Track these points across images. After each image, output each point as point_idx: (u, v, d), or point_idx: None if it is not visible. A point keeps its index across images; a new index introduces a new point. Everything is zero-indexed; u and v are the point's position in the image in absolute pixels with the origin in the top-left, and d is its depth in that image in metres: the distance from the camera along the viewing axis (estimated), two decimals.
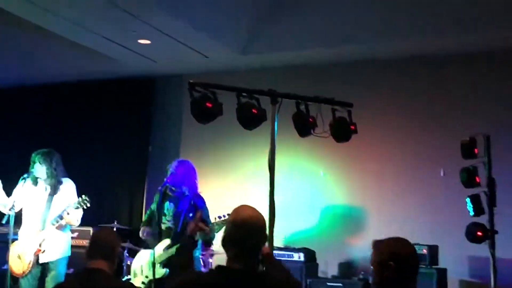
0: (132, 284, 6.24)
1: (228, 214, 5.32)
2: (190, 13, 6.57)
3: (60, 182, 5.95)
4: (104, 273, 3.40)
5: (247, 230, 2.71)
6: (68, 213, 5.75)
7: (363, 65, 7.69)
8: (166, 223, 5.59)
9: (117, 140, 8.96)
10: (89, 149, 9.09)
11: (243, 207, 2.85)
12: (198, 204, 5.50)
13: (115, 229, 7.68)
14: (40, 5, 6.32)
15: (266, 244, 3.13)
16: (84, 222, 8.63)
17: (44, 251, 5.71)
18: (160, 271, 5.36)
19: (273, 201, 4.29)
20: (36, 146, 8.96)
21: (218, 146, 8.27)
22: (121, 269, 7.19)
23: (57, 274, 5.78)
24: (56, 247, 5.81)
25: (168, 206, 5.62)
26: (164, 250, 5.43)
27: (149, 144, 8.87)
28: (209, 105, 4.32)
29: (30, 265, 5.70)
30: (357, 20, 6.86)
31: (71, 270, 6.37)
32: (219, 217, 5.24)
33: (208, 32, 7.00)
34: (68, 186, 6.01)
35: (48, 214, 5.81)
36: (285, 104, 4.38)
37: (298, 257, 6.88)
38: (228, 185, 8.15)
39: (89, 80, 9.12)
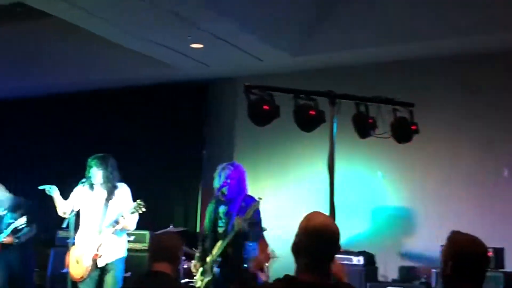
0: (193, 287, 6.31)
1: (260, 198, 5.49)
2: (244, 16, 6.53)
3: (116, 187, 6.00)
4: (167, 276, 3.41)
5: (319, 238, 2.53)
6: (124, 218, 5.78)
7: (424, 63, 7.44)
8: (222, 226, 5.63)
9: (171, 144, 9.00)
10: (143, 154, 9.16)
11: (315, 214, 2.66)
12: (248, 204, 5.53)
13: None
14: (92, 12, 6.41)
15: None
16: (140, 226, 8.77)
17: (101, 255, 5.76)
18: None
19: (333, 204, 4.22)
20: (91, 151, 9.10)
21: (274, 148, 8.16)
22: (178, 272, 7.20)
23: (115, 275, 5.85)
24: (114, 249, 5.87)
25: (222, 210, 5.65)
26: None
27: (203, 148, 8.86)
28: (266, 107, 4.30)
29: (89, 270, 5.75)
30: (416, 16, 6.66)
31: (129, 274, 6.44)
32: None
33: (261, 35, 6.94)
34: (123, 190, 6.06)
35: (104, 218, 5.87)
36: (343, 105, 4.30)
37: (357, 260, 6.74)
38: (284, 188, 8.06)
39: (142, 86, 9.18)
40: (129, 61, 8.18)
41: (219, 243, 5.53)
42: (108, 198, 5.90)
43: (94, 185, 5.99)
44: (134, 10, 6.37)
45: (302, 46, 7.31)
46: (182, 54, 7.68)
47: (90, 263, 5.77)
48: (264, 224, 5.62)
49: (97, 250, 5.76)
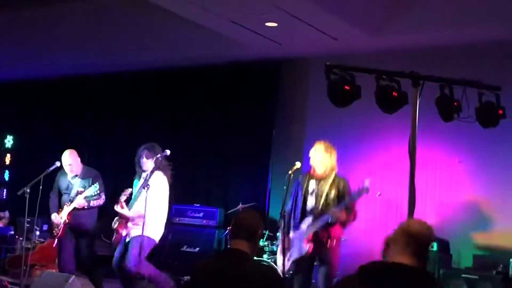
0: (269, 265, 6.33)
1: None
2: None
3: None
4: (243, 254, 3.38)
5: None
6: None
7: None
8: (311, 202, 5.62)
9: (242, 123, 9.02)
10: (214, 131, 9.21)
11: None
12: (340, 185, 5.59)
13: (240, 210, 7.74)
14: None
15: None
16: (210, 203, 8.89)
17: None
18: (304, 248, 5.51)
19: (414, 187, 4.10)
20: (165, 130, 9.26)
21: (346, 129, 8.02)
22: (256, 250, 7.24)
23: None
24: None
25: (312, 186, 5.65)
26: (307, 227, 5.53)
27: (273, 128, 8.81)
28: (347, 88, 4.20)
29: None
30: None
31: (197, 249, 6.42)
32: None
33: (339, 14, 6.80)
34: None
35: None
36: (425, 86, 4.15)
37: (431, 246, 6.58)
38: (355, 170, 7.94)
39: (213, 64, 9.19)
40: (201, 39, 8.18)
41: (308, 220, 5.53)
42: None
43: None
44: None
45: (383, 26, 7.11)
46: (256, 33, 7.62)
47: None
48: None
49: None
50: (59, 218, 6.60)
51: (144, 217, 5.94)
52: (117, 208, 6.18)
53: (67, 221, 6.54)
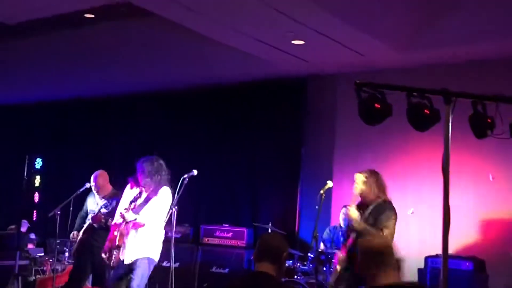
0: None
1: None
2: (348, 10, 6.34)
3: None
4: (269, 277, 3.32)
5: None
6: None
7: None
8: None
9: (270, 142, 8.97)
10: (241, 150, 9.18)
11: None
12: None
13: (269, 230, 7.68)
14: (196, 10, 6.42)
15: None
16: (238, 223, 8.82)
17: None
18: None
19: (448, 206, 3.98)
20: (192, 148, 9.24)
21: (377, 145, 7.91)
22: (282, 273, 7.14)
23: None
24: None
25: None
26: None
27: (302, 145, 8.73)
28: (377, 106, 4.11)
29: None
30: None
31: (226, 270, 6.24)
32: None
33: (366, 30, 6.74)
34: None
35: None
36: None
37: (466, 266, 6.42)
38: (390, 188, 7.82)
39: (239, 82, 9.18)
40: (227, 58, 8.18)
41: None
42: None
43: None
44: (235, 7, 6.34)
45: (411, 41, 7.02)
46: (282, 51, 7.59)
47: None
48: None
49: None
50: (75, 235, 6.57)
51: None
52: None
53: (82, 238, 6.48)
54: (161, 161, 6.10)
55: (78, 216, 6.86)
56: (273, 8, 6.18)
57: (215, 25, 6.86)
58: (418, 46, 7.06)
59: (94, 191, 6.73)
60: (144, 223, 5.82)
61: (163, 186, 5.97)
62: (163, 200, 5.94)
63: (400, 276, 3.53)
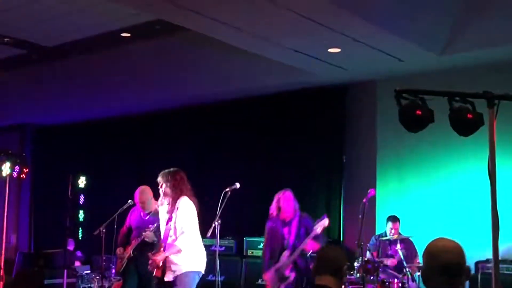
0: None
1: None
2: (384, 16, 6.29)
3: None
4: None
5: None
6: None
7: None
8: None
9: (311, 150, 8.90)
10: (283, 160, 9.13)
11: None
12: None
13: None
14: (229, 23, 6.46)
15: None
16: None
17: None
18: None
19: (496, 211, 3.88)
20: (232, 161, 9.22)
21: (419, 151, 7.78)
22: (343, 285, 7.07)
23: None
24: None
25: None
26: None
27: (343, 154, 8.66)
28: (419, 112, 4.03)
29: None
30: None
31: None
32: None
33: (403, 35, 6.65)
34: None
35: None
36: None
37: None
38: (432, 193, 7.68)
39: (279, 93, 9.16)
40: (264, 69, 8.19)
41: None
42: None
43: None
44: (270, 19, 6.34)
45: (450, 44, 6.90)
46: (320, 60, 7.56)
47: None
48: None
49: None
50: (123, 252, 6.60)
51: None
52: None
53: (131, 255, 6.49)
54: (182, 173, 6.08)
55: (120, 232, 6.89)
56: (306, 17, 6.16)
57: (249, 38, 6.88)
58: (455, 49, 6.95)
59: (140, 208, 6.74)
60: (180, 248, 5.75)
61: (183, 197, 5.89)
62: (186, 210, 5.83)
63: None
